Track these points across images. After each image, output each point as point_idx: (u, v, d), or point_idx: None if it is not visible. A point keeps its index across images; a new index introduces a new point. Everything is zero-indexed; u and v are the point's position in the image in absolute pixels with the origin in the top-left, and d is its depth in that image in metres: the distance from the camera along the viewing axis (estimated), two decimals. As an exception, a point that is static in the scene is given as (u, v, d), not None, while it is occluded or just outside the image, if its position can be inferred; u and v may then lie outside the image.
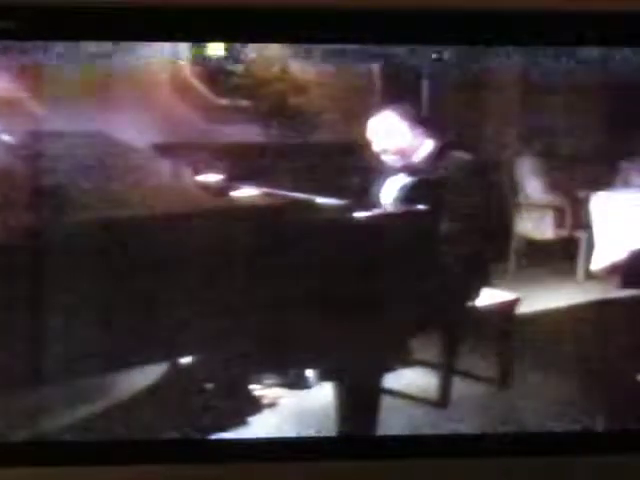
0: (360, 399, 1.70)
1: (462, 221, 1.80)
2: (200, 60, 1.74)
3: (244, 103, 1.82)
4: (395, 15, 1.42)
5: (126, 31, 1.41)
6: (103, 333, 1.55)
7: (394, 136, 1.87)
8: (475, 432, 1.60)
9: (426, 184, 1.85)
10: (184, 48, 1.70)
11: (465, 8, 1.41)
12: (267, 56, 1.72)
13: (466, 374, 1.82)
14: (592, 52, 1.56)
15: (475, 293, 1.86)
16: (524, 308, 1.88)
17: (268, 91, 1.79)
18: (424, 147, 1.89)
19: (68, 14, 1.37)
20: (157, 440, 1.50)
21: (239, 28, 1.43)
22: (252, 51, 1.68)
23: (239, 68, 1.71)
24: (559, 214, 2.10)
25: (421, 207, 1.80)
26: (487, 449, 1.53)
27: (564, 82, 1.69)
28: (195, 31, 1.43)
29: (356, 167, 1.82)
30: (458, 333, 1.83)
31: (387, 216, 1.85)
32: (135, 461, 1.42)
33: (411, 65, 1.62)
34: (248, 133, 1.82)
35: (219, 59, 1.69)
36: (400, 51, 1.57)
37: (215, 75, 1.78)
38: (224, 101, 1.84)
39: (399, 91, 1.84)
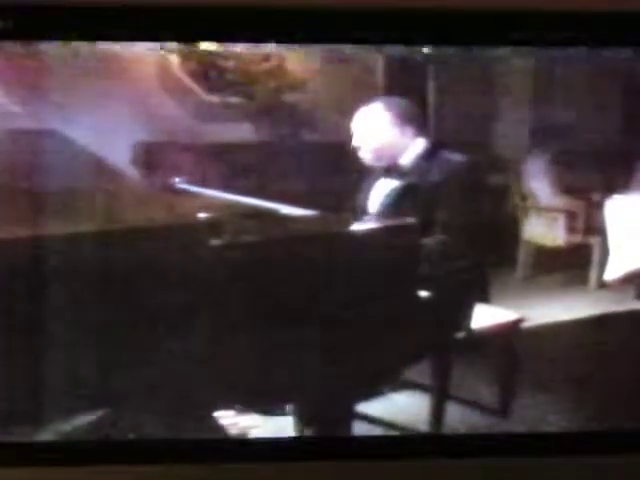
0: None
1: (461, 230, 1.76)
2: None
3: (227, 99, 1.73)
4: (394, 15, 1.45)
5: (126, 31, 1.44)
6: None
7: (382, 133, 1.78)
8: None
9: (418, 188, 1.76)
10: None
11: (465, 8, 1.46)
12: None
13: (462, 401, 1.76)
14: (605, 50, 1.57)
15: (474, 310, 1.82)
16: (531, 321, 1.83)
17: (253, 87, 1.70)
18: (416, 146, 1.82)
19: (65, 14, 1.40)
20: (157, 440, 1.52)
21: (234, 27, 1.46)
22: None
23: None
24: (570, 218, 2.04)
25: (414, 214, 1.75)
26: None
27: (576, 79, 1.69)
28: (196, 31, 1.47)
29: (338, 169, 1.76)
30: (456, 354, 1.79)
31: (374, 225, 1.79)
32: (135, 461, 1.46)
33: (405, 59, 1.61)
34: (228, 132, 1.73)
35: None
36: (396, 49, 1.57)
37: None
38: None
39: (391, 85, 1.74)
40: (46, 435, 1.55)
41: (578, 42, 1.54)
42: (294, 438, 1.61)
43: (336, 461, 1.53)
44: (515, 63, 1.62)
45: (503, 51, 1.57)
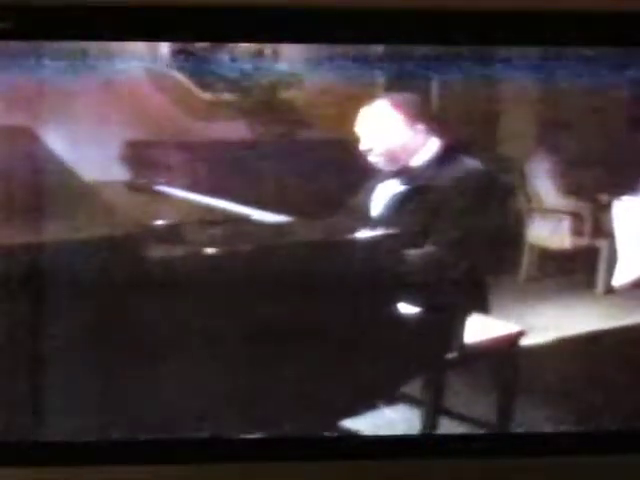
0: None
1: (466, 235, 1.75)
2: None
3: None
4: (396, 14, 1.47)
5: (126, 31, 1.46)
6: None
7: (389, 134, 1.76)
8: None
9: (424, 192, 1.75)
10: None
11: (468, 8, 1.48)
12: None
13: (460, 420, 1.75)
14: (612, 50, 1.60)
15: (477, 320, 1.81)
16: (533, 328, 1.81)
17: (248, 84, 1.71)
18: (429, 147, 1.81)
19: (65, 14, 1.42)
20: (157, 440, 1.53)
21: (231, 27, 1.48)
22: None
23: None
24: (576, 220, 2.02)
25: (421, 219, 1.74)
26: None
27: (582, 79, 1.68)
28: (195, 30, 1.48)
29: (339, 171, 1.73)
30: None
31: (377, 232, 1.77)
32: (135, 461, 1.48)
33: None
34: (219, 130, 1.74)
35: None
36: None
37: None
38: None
39: (398, 85, 1.74)
40: (46, 435, 1.56)
41: (581, 42, 1.57)
42: (292, 437, 1.60)
43: (334, 461, 1.54)
44: (521, 63, 1.63)
45: (508, 51, 1.60)
